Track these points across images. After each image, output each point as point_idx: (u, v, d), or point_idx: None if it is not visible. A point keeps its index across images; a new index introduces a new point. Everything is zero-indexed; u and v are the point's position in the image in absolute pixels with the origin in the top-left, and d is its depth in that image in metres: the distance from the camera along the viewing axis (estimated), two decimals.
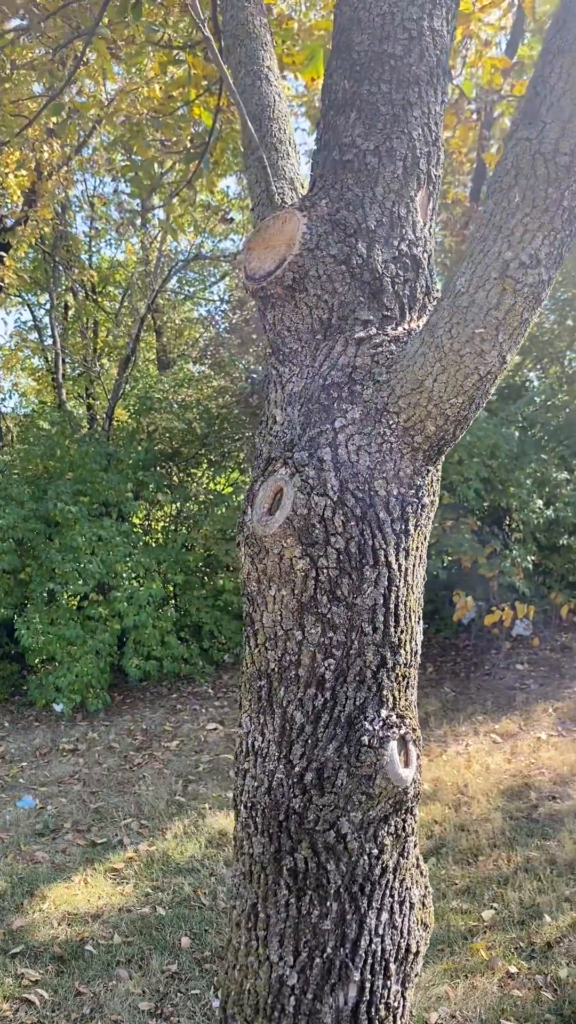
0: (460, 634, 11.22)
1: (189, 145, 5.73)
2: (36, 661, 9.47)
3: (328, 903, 1.94)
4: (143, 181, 5.06)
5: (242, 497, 11.51)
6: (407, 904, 2.02)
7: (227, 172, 5.67)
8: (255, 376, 11.80)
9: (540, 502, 10.02)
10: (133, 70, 6.94)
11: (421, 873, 2.11)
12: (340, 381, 2.04)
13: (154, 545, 11.01)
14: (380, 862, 1.98)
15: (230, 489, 12.11)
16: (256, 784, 2.03)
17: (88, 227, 14.06)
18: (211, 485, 12.31)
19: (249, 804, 2.04)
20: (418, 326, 2.15)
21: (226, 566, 11.23)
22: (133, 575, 9.93)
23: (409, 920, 2.01)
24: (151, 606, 9.86)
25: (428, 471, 2.03)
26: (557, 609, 10.76)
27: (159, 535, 11.70)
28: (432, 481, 2.07)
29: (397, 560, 2.00)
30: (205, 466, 12.31)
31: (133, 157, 5.57)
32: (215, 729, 8.70)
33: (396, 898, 2.00)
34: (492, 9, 4.88)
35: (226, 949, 2.11)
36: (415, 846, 2.07)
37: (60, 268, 13.25)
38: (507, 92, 5.97)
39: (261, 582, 2.03)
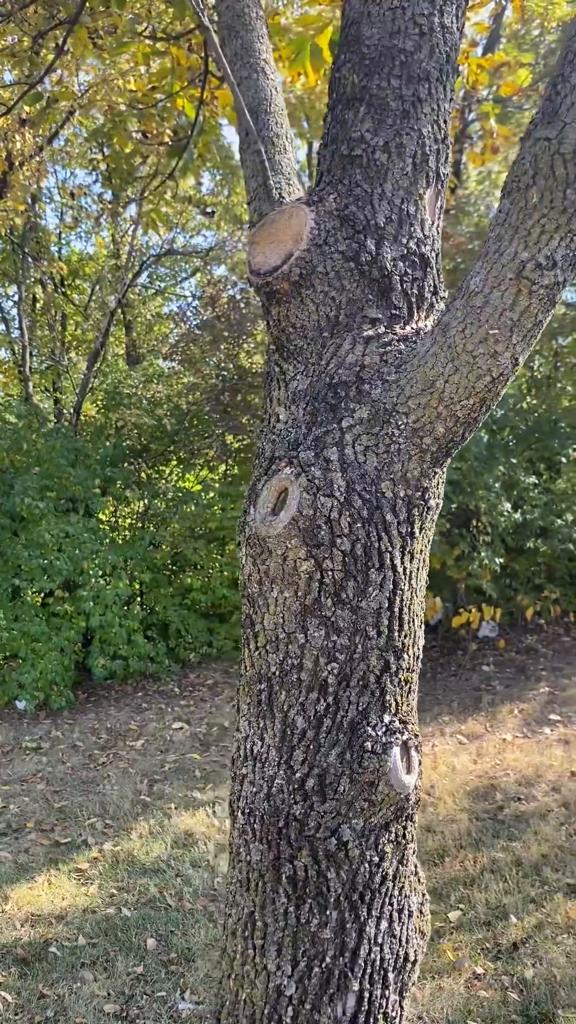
0: (426, 635, 11.26)
1: (170, 138, 5.67)
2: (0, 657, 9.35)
3: (328, 911, 1.90)
4: (124, 173, 4.98)
5: (211, 495, 11.45)
6: (406, 912, 1.99)
7: (200, 167, 5.59)
8: (226, 373, 11.76)
9: (508, 505, 10.08)
10: (108, 61, 6.86)
11: (419, 880, 2.08)
12: (348, 380, 2.00)
13: (121, 542, 10.92)
14: (380, 870, 1.95)
15: (199, 487, 12.04)
16: (255, 790, 1.98)
17: (60, 219, 13.90)
18: (180, 483, 12.23)
19: (247, 810, 1.99)
20: (426, 325, 2.12)
21: (194, 564, 11.17)
22: (100, 572, 9.85)
23: (407, 928, 1.98)
24: (117, 605, 9.78)
25: (435, 473, 2.00)
26: (523, 611, 10.86)
27: (126, 532, 11.61)
28: (438, 483, 2.05)
29: (402, 563, 1.97)
30: (174, 463, 12.23)
31: (113, 149, 5.50)
32: (181, 728, 8.65)
33: (395, 906, 1.97)
34: (478, 9, 4.89)
35: (221, 958, 2.07)
36: (414, 853, 2.05)
37: (29, 260, 13.08)
38: (485, 95, 5.98)
39: (263, 583, 1.98)
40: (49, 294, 13.89)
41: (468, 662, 10.38)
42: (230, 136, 16.17)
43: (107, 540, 10.48)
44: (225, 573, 10.96)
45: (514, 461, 10.35)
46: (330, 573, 1.91)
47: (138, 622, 9.97)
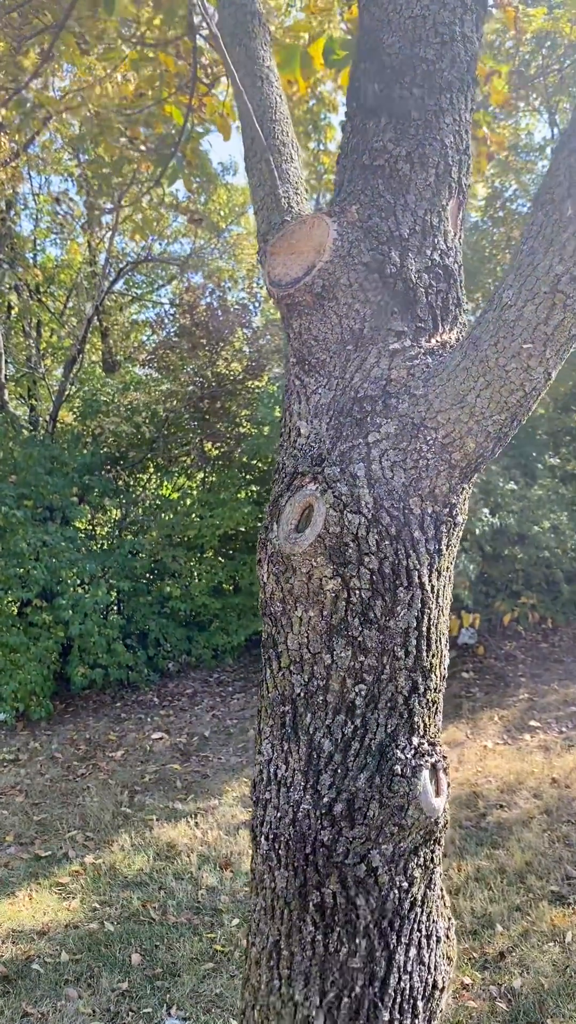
0: None
1: (154, 143, 5.62)
2: None
3: (357, 940, 1.85)
4: (111, 180, 4.92)
5: (189, 503, 11.38)
6: (434, 938, 1.94)
7: (192, 176, 5.52)
8: (204, 380, 11.71)
9: (486, 511, 10.11)
10: (85, 67, 6.79)
11: (445, 904, 2.03)
12: (374, 394, 1.95)
13: (99, 551, 10.82)
14: (410, 895, 1.89)
15: (176, 495, 11.98)
16: (279, 815, 1.92)
17: (35, 225, 13.77)
18: (159, 490, 12.16)
19: (271, 836, 1.93)
20: (451, 338, 2.08)
21: (172, 572, 11.10)
22: (78, 581, 9.75)
23: (435, 955, 1.93)
24: (97, 613, 9.69)
25: (463, 489, 1.96)
26: (501, 618, 10.88)
27: (104, 540, 11.52)
28: (464, 500, 2.00)
29: (430, 581, 1.92)
30: (152, 470, 12.16)
31: (99, 155, 5.43)
32: (161, 739, 8.58)
33: (424, 932, 1.92)
34: None
35: (243, 988, 2.01)
36: (441, 876, 2.00)
37: (4, 266, 12.95)
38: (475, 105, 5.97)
39: (286, 602, 1.93)
40: (24, 301, 13.76)
41: (447, 669, 10.38)
42: (205, 143, 16.09)
43: (85, 549, 10.38)
44: (204, 581, 10.90)
45: (492, 468, 10.39)
46: (357, 592, 1.86)
47: (117, 630, 9.89)
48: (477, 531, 10.00)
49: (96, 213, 10.75)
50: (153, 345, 13.32)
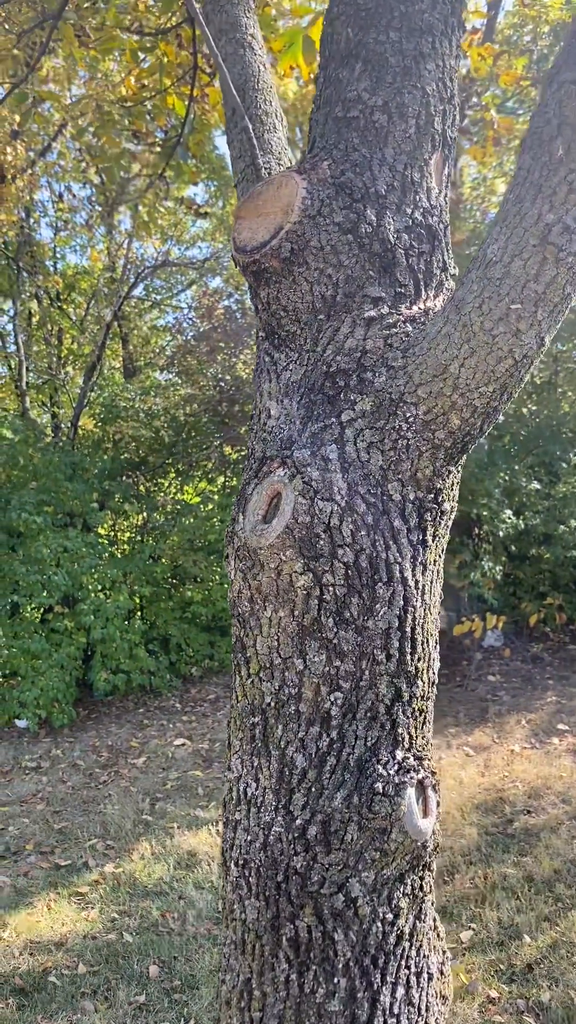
0: None
1: (160, 140, 5.49)
2: None
3: (336, 979, 1.64)
4: (116, 174, 4.78)
5: (210, 507, 11.27)
6: (424, 975, 1.73)
7: (197, 177, 5.39)
8: (223, 384, 11.60)
9: (509, 512, 9.89)
10: (100, 75, 6.68)
11: (439, 936, 1.82)
12: (347, 367, 1.75)
13: (120, 556, 10.76)
14: (395, 928, 1.68)
15: (197, 499, 11.89)
16: (249, 838, 1.72)
17: (55, 233, 13.73)
18: (179, 495, 12.10)
19: (241, 861, 1.73)
20: (435, 305, 1.86)
21: (194, 577, 11.01)
22: (99, 587, 9.70)
23: (427, 994, 1.72)
24: (118, 618, 9.63)
25: (449, 472, 1.74)
26: (527, 619, 10.66)
27: (125, 546, 11.47)
28: (452, 484, 1.79)
29: (414, 576, 1.71)
30: (172, 475, 12.09)
31: (103, 151, 5.31)
32: (183, 745, 8.46)
33: (413, 969, 1.70)
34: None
35: None
36: (432, 905, 1.79)
37: (24, 274, 12.93)
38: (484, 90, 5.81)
39: (255, 601, 1.73)
40: (44, 309, 13.75)
41: (473, 672, 10.17)
42: (223, 146, 16.02)
43: (106, 554, 10.34)
44: (225, 585, 10.80)
45: (517, 468, 10.16)
46: (331, 589, 1.65)
47: (139, 636, 9.82)
48: (501, 533, 9.79)
49: (103, 210, 10.66)
50: (172, 350, 13.25)
